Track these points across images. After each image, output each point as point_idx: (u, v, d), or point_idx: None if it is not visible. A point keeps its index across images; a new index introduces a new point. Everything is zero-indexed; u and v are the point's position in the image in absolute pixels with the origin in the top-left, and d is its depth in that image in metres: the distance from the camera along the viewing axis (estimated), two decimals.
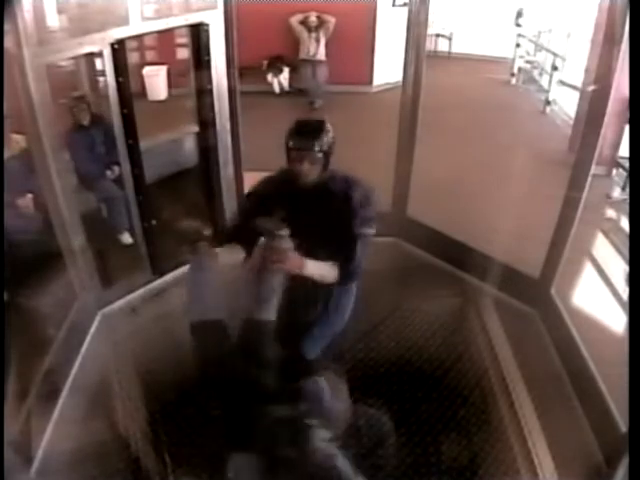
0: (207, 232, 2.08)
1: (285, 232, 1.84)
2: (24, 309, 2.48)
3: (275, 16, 6.23)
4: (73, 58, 3.03)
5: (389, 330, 2.86)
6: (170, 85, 6.10)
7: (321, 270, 1.91)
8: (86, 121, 3.39)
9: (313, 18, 6.24)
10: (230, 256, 2.01)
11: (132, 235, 3.20)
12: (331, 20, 6.24)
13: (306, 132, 1.89)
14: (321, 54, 6.31)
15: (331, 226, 1.90)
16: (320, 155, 1.87)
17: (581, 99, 4.79)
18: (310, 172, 1.88)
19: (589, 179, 2.43)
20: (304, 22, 6.26)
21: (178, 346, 2.65)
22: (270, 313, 1.88)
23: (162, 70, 6.04)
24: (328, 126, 1.91)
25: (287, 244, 1.83)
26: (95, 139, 3.41)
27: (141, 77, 5.92)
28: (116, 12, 2.36)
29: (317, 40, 6.25)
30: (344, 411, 1.96)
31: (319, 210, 1.90)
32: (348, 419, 1.96)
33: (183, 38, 3.17)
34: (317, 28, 6.24)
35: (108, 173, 3.38)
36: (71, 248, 2.51)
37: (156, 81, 6.03)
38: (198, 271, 1.98)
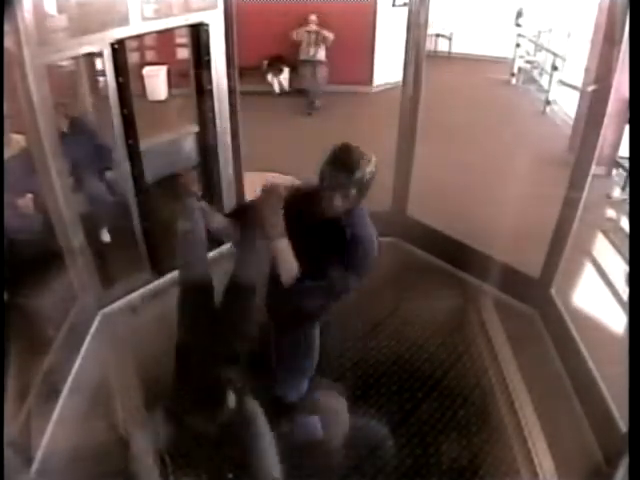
0: (195, 188, 2.03)
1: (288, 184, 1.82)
2: (24, 309, 2.48)
3: (275, 16, 6.23)
4: (73, 58, 3.03)
5: (389, 330, 2.86)
6: (170, 85, 6.10)
7: (287, 256, 1.75)
8: (64, 127, 3.11)
9: (313, 33, 6.27)
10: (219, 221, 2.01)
11: (133, 235, 3.19)
12: (330, 36, 6.27)
13: (338, 163, 1.72)
14: (321, 54, 6.32)
15: (322, 256, 1.78)
16: (354, 191, 1.74)
17: (581, 99, 4.79)
18: (338, 207, 1.76)
19: (589, 179, 2.43)
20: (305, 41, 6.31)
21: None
22: (252, 274, 1.88)
23: (162, 70, 6.04)
24: (369, 157, 1.74)
25: (281, 193, 1.73)
26: (75, 147, 3.06)
27: (141, 77, 5.92)
28: (116, 12, 2.36)
29: (317, 44, 6.28)
30: (341, 431, 1.97)
31: (318, 237, 1.80)
32: (345, 434, 1.98)
33: (183, 38, 3.16)
34: (316, 42, 6.28)
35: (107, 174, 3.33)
36: (71, 248, 2.51)
37: (156, 81, 6.03)
38: (190, 228, 1.98)
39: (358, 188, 1.74)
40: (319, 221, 1.83)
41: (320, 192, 1.78)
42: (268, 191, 1.72)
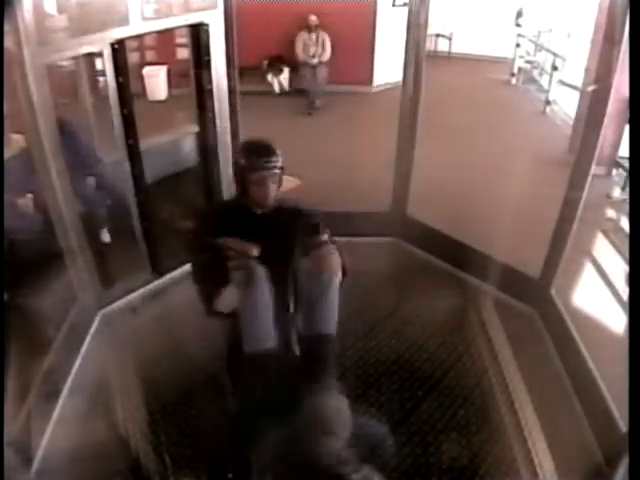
0: (254, 251, 1.81)
1: (326, 235, 1.84)
2: (24, 309, 2.48)
3: (275, 16, 6.23)
4: (73, 58, 3.03)
5: (389, 330, 2.85)
6: (170, 85, 6.09)
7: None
8: None
9: (313, 49, 6.29)
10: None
11: (133, 235, 3.18)
12: (326, 57, 6.28)
13: (264, 151, 1.88)
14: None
15: (303, 240, 1.88)
16: (279, 172, 1.89)
17: (581, 99, 4.79)
18: (273, 192, 1.88)
19: (589, 179, 2.43)
20: (305, 42, 6.30)
21: (178, 346, 2.66)
22: (331, 326, 1.84)
23: (162, 70, 6.04)
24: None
25: (333, 248, 1.81)
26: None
27: (141, 77, 5.92)
28: (116, 12, 2.36)
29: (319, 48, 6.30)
30: (342, 431, 1.95)
31: (287, 230, 1.88)
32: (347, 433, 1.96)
33: (183, 38, 3.16)
34: (317, 44, 6.28)
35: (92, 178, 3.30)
36: (71, 248, 2.51)
37: (156, 81, 6.03)
38: (251, 292, 1.79)
39: (281, 169, 1.89)
40: (272, 218, 1.91)
41: (251, 189, 1.88)
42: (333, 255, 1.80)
